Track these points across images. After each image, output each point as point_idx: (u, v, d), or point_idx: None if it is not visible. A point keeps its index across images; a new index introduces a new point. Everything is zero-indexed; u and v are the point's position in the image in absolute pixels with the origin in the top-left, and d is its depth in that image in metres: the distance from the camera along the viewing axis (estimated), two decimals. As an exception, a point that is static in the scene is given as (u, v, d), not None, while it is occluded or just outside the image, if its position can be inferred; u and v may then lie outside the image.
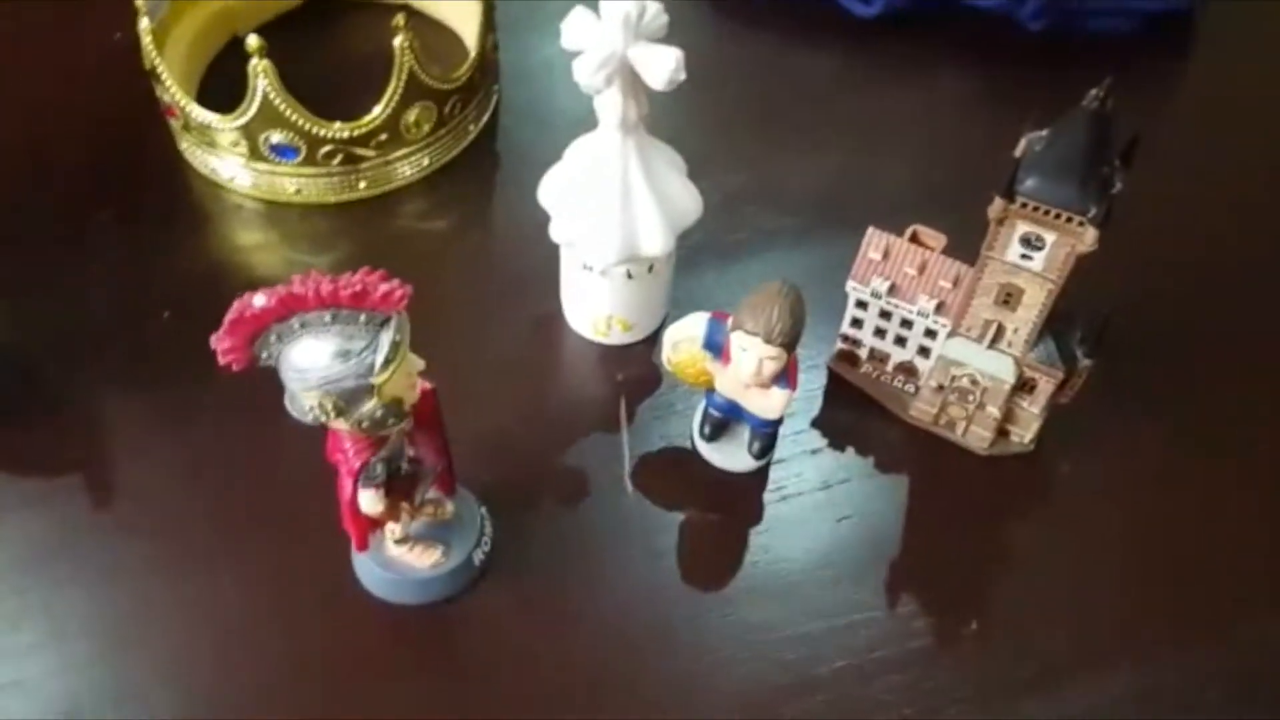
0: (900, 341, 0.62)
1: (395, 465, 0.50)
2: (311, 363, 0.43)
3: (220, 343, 0.43)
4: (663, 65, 0.53)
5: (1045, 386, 0.59)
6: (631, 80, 0.55)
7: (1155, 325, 0.68)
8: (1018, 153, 0.53)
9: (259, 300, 0.42)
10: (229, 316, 0.43)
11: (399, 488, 0.51)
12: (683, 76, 0.53)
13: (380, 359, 0.44)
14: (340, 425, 0.46)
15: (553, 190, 0.61)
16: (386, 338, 0.44)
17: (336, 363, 0.43)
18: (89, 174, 0.74)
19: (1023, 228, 0.53)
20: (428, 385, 0.50)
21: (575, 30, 0.54)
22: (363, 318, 0.43)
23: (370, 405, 0.45)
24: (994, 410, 0.60)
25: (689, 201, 0.61)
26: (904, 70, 0.84)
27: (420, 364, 0.47)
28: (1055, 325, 0.58)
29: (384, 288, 0.42)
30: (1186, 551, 0.60)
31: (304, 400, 0.44)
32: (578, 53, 0.53)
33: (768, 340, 0.53)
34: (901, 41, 0.85)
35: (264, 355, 0.44)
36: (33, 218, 0.72)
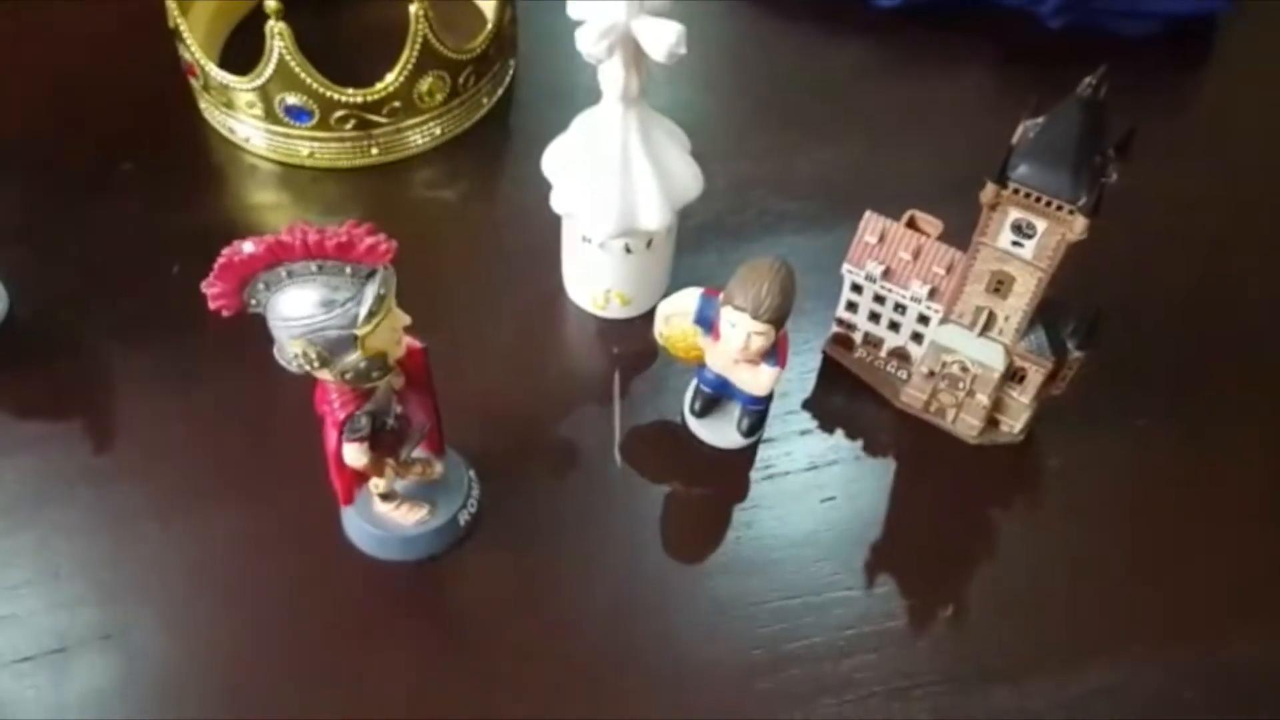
0: (894, 326, 0.63)
1: (381, 421, 0.51)
2: (296, 311, 0.44)
3: (211, 288, 0.44)
4: (664, 38, 0.53)
5: (1035, 376, 0.59)
6: (634, 53, 0.55)
7: (1156, 323, 0.68)
8: (1015, 139, 0.53)
9: (248, 247, 0.43)
10: (219, 262, 0.44)
11: (384, 443, 0.52)
12: (683, 50, 0.54)
13: (364, 311, 0.44)
14: (325, 375, 0.47)
15: (555, 160, 0.62)
16: (371, 290, 0.44)
17: (320, 312, 0.44)
18: (114, 127, 0.76)
19: (1014, 214, 0.53)
20: (418, 344, 0.51)
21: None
22: (349, 269, 0.44)
23: (354, 357, 0.46)
24: (983, 398, 0.60)
25: (689, 178, 0.62)
26: (920, 63, 0.84)
27: (406, 319, 0.47)
28: (1047, 316, 0.58)
29: (369, 240, 0.43)
30: (1173, 549, 0.60)
31: (289, 348, 0.45)
32: (582, 22, 0.54)
33: (755, 316, 0.53)
34: (920, 34, 0.85)
35: (253, 302, 0.45)
36: (56, 167, 0.74)
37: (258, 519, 0.59)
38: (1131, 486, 0.62)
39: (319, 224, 0.72)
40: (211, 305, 0.45)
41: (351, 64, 0.71)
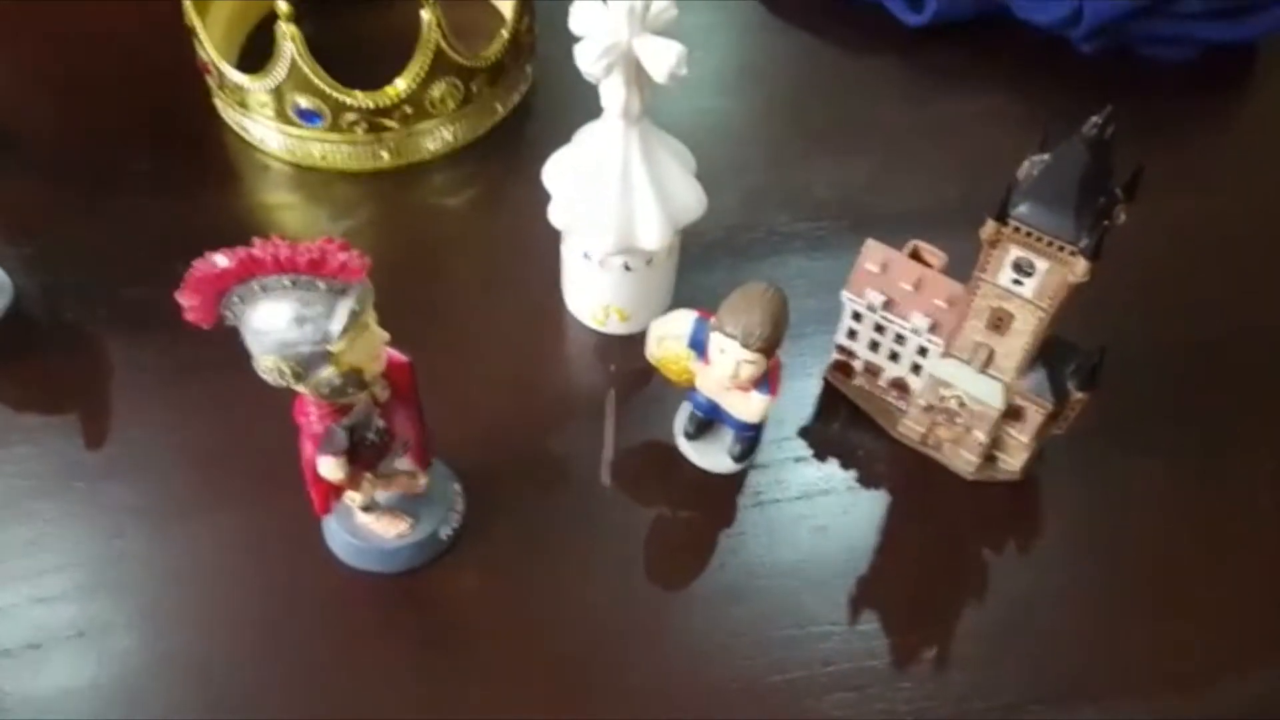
0: (894, 357, 0.61)
1: (361, 434, 0.51)
2: (268, 326, 0.44)
3: (185, 299, 0.44)
4: (664, 59, 0.53)
5: (1034, 416, 0.57)
6: (636, 71, 0.55)
7: (1166, 360, 0.66)
8: (1019, 174, 0.52)
9: (220, 260, 0.43)
10: (191, 274, 0.43)
11: (364, 457, 0.52)
12: (684, 71, 0.53)
13: (336, 328, 0.44)
14: (300, 389, 0.46)
15: (555, 173, 0.61)
16: (345, 306, 0.44)
17: (292, 328, 0.44)
18: (129, 123, 0.76)
19: (1015, 252, 0.51)
20: (403, 358, 0.51)
21: (583, 16, 0.54)
22: (322, 285, 0.44)
23: (328, 373, 0.45)
24: (981, 435, 0.59)
25: (692, 198, 0.61)
26: (946, 83, 0.83)
27: (385, 336, 0.47)
28: (1050, 355, 0.56)
29: (341, 257, 0.43)
30: (1170, 596, 0.59)
31: (262, 362, 0.45)
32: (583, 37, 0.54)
33: (745, 344, 0.52)
34: (948, 53, 0.84)
35: (228, 315, 0.45)
36: (70, 161, 0.74)
37: (244, 522, 0.59)
38: (1130, 529, 0.61)
39: (327, 227, 0.73)
40: (186, 318, 0.45)
41: (367, 67, 0.71)
